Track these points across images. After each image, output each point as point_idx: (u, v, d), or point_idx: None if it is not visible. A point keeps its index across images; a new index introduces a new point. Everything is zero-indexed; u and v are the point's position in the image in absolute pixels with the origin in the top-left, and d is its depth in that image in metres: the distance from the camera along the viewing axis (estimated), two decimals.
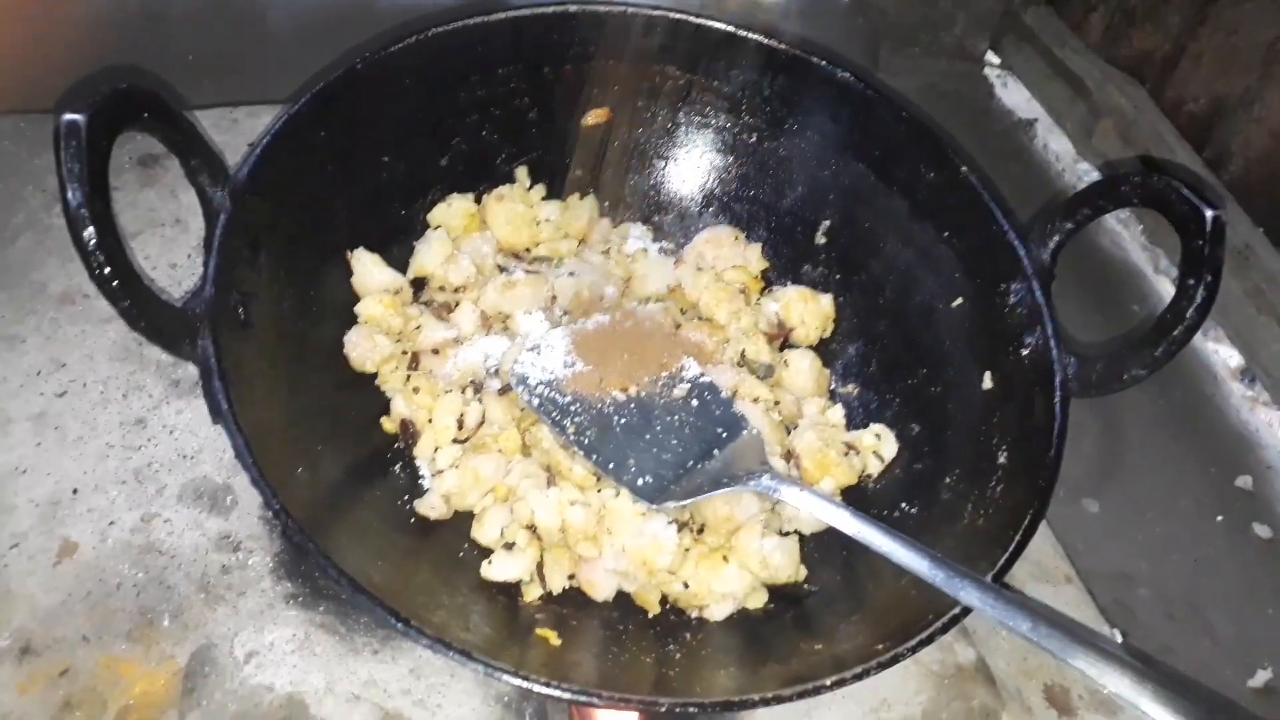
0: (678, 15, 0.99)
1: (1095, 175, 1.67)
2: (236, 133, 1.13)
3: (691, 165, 1.08)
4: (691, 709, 0.72)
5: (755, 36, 0.99)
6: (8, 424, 0.87)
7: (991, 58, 1.84)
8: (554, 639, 0.78)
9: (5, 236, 1.00)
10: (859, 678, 0.68)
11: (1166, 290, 1.53)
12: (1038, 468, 0.80)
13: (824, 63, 0.98)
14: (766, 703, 0.67)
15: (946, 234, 0.95)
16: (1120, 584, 1.16)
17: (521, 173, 1.03)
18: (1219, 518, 1.26)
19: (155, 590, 0.79)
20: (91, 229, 0.65)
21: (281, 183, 0.84)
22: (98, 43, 1.46)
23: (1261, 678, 1.09)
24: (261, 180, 0.81)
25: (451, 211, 0.98)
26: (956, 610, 0.72)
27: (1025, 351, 0.86)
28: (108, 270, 0.67)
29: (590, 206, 1.05)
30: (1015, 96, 1.82)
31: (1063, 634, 0.69)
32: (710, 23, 0.99)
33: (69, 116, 0.66)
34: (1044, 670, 0.88)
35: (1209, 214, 0.77)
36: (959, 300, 0.93)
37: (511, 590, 0.83)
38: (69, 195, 0.65)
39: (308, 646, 0.77)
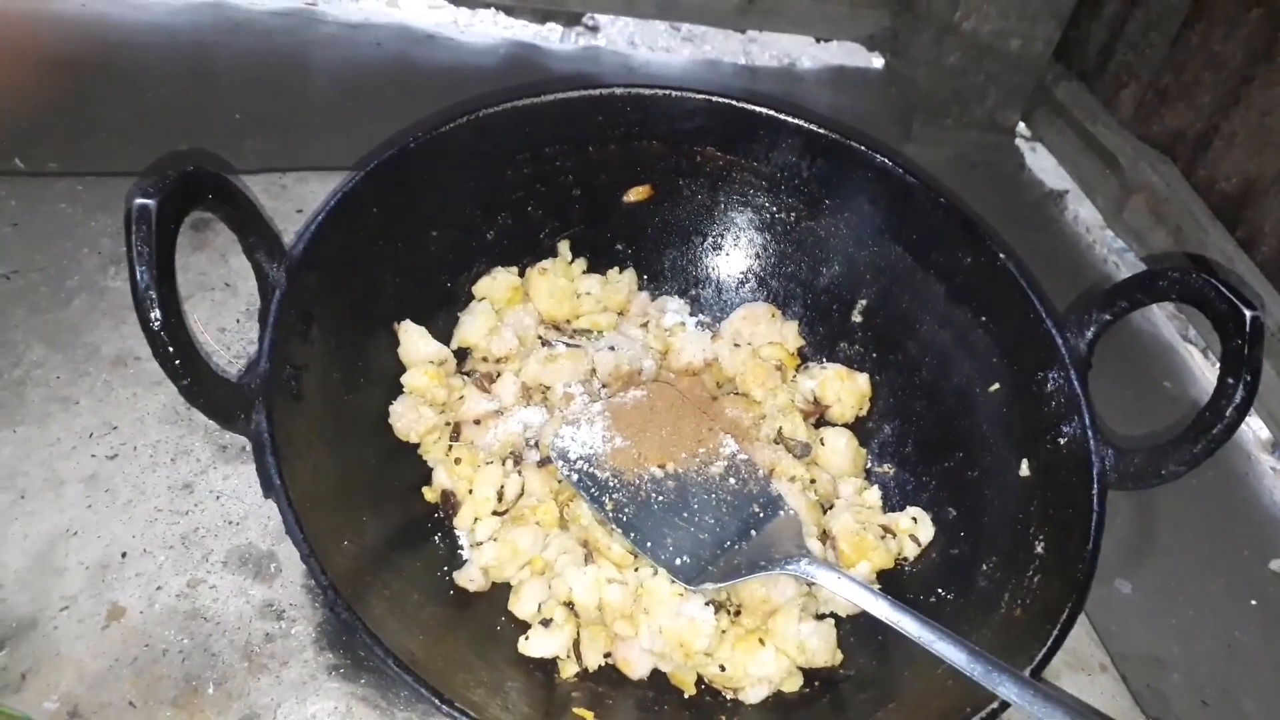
0: (719, 99, 1.02)
1: (1123, 247, 1.69)
2: (285, 199, 1.16)
3: (730, 242, 1.10)
4: None
5: (794, 120, 1.01)
6: (60, 485, 0.89)
7: (1023, 129, 1.87)
8: (590, 718, 0.78)
9: (61, 298, 1.02)
10: None
11: (1199, 366, 1.54)
12: (1075, 560, 0.80)
13: (862, 147, 1.00)
14: None
15: (984, 319, 0.96)
16: (1153, 668, 1.16)
17: (564, 247, 1.05)
18: (1253, 601, 1.25)
19: (200, 657, 0.80)
20: (158, 311, 0.67)
21: (334, 258, 0.86)
22: (146, 103, 1.51)
23: None
24: (316, 256, 0.84)
25: (496, 284, 1.00)
26: (995, 705, 0.72)
27: (1063, 441, 0.87)
28: (171, 350, 0.69)
29: (630, 280, 1.07)
30: (1046, 168, 1.84)
31: None
32: (750, 106, 1.02)
33: (140, 201, 0.68)
34: None
35: (1249, 315, 0.78)
36: (996, 385, 0.94)
37: (548, 666, 0.84)
38: (138, 278, 0.67)
39: (349, 719, 0.77)
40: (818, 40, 1.96)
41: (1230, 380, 0.78)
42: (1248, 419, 1.48)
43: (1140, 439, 0.85)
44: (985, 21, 1.64)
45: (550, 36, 2.01)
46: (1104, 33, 1.73)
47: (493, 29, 1.94)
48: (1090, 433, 0.85)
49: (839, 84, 1.89)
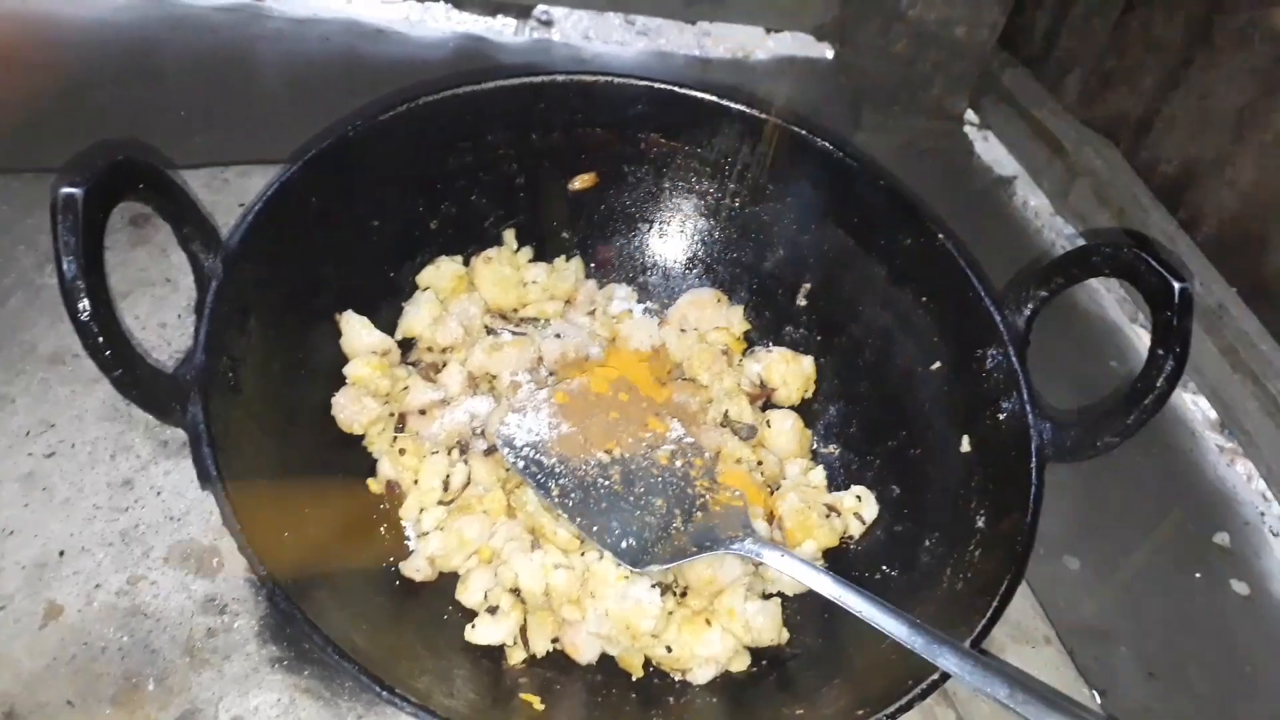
0: (660, 85, 1.02)
1: (1072, 232, 1.71)
2: (227, 192, 1.15)
3: (676, 228, 1.10)
4: None
5: (737, 106, 1.02)
6: None
7: (971, 117, 1.89)
8: (537, 704, 0.78)
9: None
10: None
11: (1145, 346, 1.56)
12: (1015, 534, 0.81)
13: (804, 131, 1.01)
14: None
15: (924, 299, 0.97)
16: (1100, 642, 1.18)
17: (509, 235, 1.05)
18: (1197, 574, 1.28)
19: (140, 654, 0.79)
20: (86, 301, 0.66)
21: (272, 248, 0.86)
22: (89, 100, 1.49)
23: None
24: (253, 247, 0.83)
25: (440, 273, 1.00)
26: (935, 676, 0.73)
27: (1002, 417, 0.88)
28: (101, 340, 0.68)
29: (576, 268, 1.07)
30: (994, 154, 1.86)
31: (1039, 700, 0.70)
32: (693, 93, 1.02)
33: (66, 190, 0.67)
34: None
35: (1177, 286, 0.79)
36: (937, 364, 0.95)
37: (495, 653, 0.84)
38: (64, 268, 0.66)
39: (292, 711, 0.77)
40: (768, 31, 1.97)
41: (1160, 351, 0.80)
42: (1193, 397, 1.51)
43: (1077, 412, 0.87)
44: (931, 9, 1.66)
45: (503, 29, 2.00)
46: (1048, 19, 1.75)
47: (444, 22, 1.92)
48: (1028, 408, 0.86)
49: (790, 74, 1.90)
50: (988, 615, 0.76)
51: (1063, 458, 0.85)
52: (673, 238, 1.10)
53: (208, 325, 0.78)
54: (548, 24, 2.10)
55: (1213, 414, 1.48)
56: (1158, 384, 0.80)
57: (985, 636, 0.76)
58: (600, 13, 2.04)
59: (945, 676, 0.73)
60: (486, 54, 1.80)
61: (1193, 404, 1.52)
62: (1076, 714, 0.69)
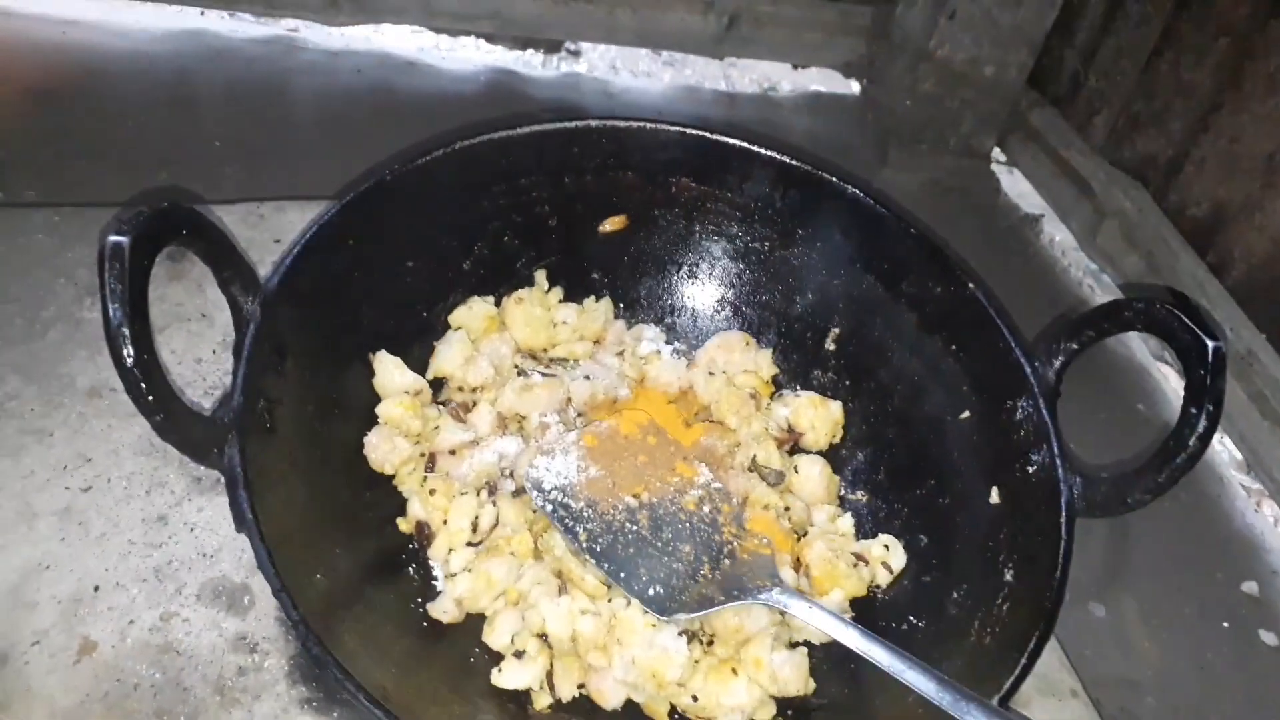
0: (692, 131, 1.03)
1: (1098, 269, 1.71)
2: (263, 228, 1.17)
3: (705, 271, 1.11)
4: None
5: (768, 152, 1.03)
6: (34, 519, 0.88)
7: (998, 155, 1.89)
8: None
9: (36, 330, 1.03)
10: None
11: (1173, 389, 1.56)
12: (1044, 588, 0.81)
13: (834, 179, 1.02)
14: None
15: (954, 347, 0.97)
16: (1127, 691, 1.17)
17: (540, 276, 1.06)
18: (1225, 624, 1.26)
19: (172, 692, 0.79)
20: (130, 348, 0.68)
21: (309, 290, 0.87)
22: (127, 131, 1.51)
23: None
24: (290, 289, 0.84)
25: (472, 314, 1.01)
26: None
27: (1031, 469, 0.88)
28: (144, 386, 0.69)
29: (606, 309, 1.08)
30: (1021, 192, 1.86)
31: None
32: (724, 139, 1.03)
33: (114, 239, 0.68)
34: None
35: (1211, 345, 0.79)
36: (966, 413, 0.95)
37: (521, 698, 0.84)
38: (110, 314, 0.68)
39: None
40: (795, 67, 1.98)
41: (1194, 410, 0.79)
42: (1221, 440, 1.50)
43: (1110, 465, 0.86)
44: (959, 49, 1.67)
45: (532, 62, 2.02)
46: (1076, 60, 1.75)
47: (475, 54, 1.95)
48: (1058, 461, 0.86)
49: (816, 110, 1.91)
50: (1016, 672, 0.76)
51: (1093, 513, 0.85)
52: (702, 280, 1.11)
53: (245, 368, 0.79)
54: (576, 54, 2.12)
55: (1241, 458, 1.47)
56: (1190, 443, 0.79)
57: (1013, 694, 0.75)
58: (627, 46, 2.06)
59: None
60: (516, 86, 1.82)
61: (1220, 447, 1.51)
62: None
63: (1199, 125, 1.55)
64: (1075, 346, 0.90)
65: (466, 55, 1.93)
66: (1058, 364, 0.90)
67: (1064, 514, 0.84)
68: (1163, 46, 1.60)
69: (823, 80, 2.05)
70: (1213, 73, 1.52)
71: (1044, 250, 1.77)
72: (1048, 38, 1.72)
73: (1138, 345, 1.64)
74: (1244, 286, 1.47)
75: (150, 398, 0.70)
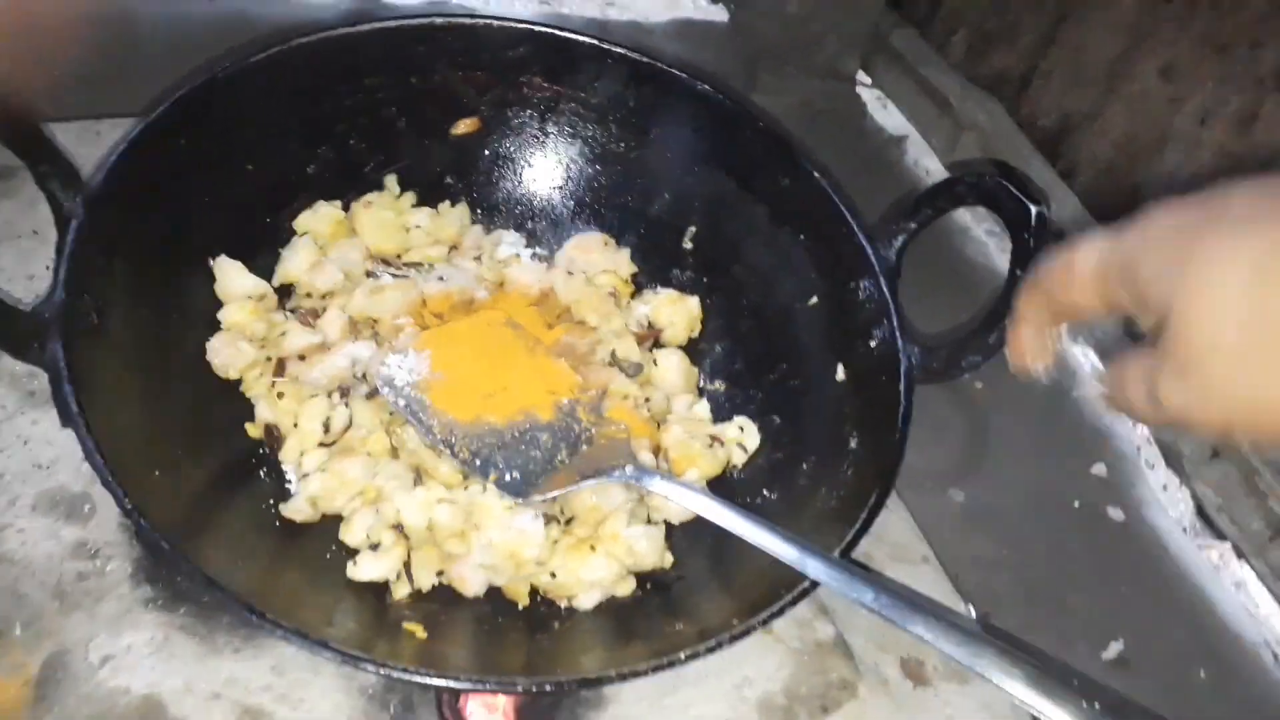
0: (541, 28, 1.02)
1: None
2: (99, 144, 1.12)
3: (562, 173, 1.10)
4: (549, 688, 0.73)
5: (618, 49, 1.02)
6: None
7: (864, 78, 1.92)
8: (420, 632, 0.78)
9: None
10: (711, 651, 0.71)
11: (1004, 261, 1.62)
12: (884, 451, 0.84)
13: (684, 74, 1.02)
14: (624, 678, 0.69)
15: (802, 237, 0.99)
16: (985, 569, 1.22)
17: (391, 180, 1.04)
18: (1076, 503, 1.33)
19: (6, 600, 0.77)
20: None
21: (138, 191, 0.84)
22: None
23: (1114, 649, 1.16)
24: (116, 188, 0.81)
25: (318, 218, 0.99)
26: (805, 584, 0.75)
27: (874, 344, 0.91)
28: None
29: (461, 214, 1.07)
30: (886, 114, 1.90)
31: (902, 603, 0.72)
32: (573, 35, 1.02)
33: None
34: (900, 645, 0.92)
35: (1034, 209, 0.83)
36: (814, 299, 0.98)
37: (380, 589, 0.84)
38: None
39: (166, 648, 0.76)
40: None
41: (1019, 272, 0.83)
42: (1081, 349, 1.57)
43: (943, 335, 0.90)
44: None
45: None
46: None
47: None
48: (898, 334, 0.89)
49: (686, 35, 1.92)
50: (856, 526, 0.79)
51: (931, 379, 0.88)
52: (560, 183, 1.11)
53: (67, 264, 0.76)
54: None
55: (1092, 356, 1.54)
56: (1015, 304, 0.83)
57: (854, 546, 0.78)
58: None
59: (814, 585, 0.75)
60: (378, 14, 1.77)
61: (1081, 355, 1.58)
62: (939, 615, 0.72)
63: (1047, 38, 1.60)
64: (914, 225, 0.93)
65: None
66: (897, 243, 0.93)
67: (903, 382, 0.87)
68: None
69: (694, 9, 2.05)
70: None
71: (908, 169, 1.82)
72: None
73: (992, 245, 1.70)
74: (1091, 191, 1.54)
75: None
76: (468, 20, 1.01)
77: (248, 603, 0.67)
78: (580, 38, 1.03)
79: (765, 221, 1.03)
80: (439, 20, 1.00)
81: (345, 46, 0.97)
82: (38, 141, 0.77)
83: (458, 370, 0.91)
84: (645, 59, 1.03)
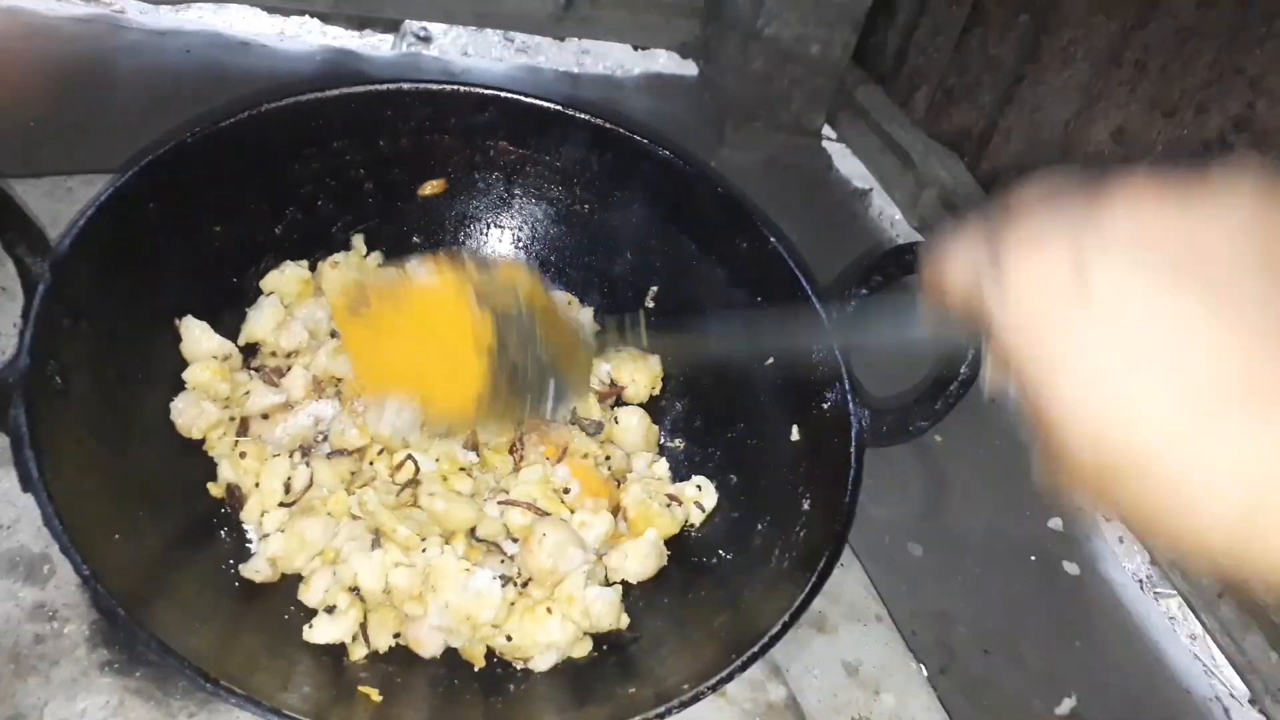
0: (506, 94, 1.05)
1: (921, 240, 1.80)
2: (70, 201, 1.13)
3: (528, 233, 1.13)
4: None
5: (581, 115, 1.05)
6: None
7: (829, 132, 1.97)
8: (375, 695, 0.79)
9: None
10: (662, 717, 0.72)
11: None
12: (835, 513, 0.86)
13: (645, 140, 1.05)
14: None
15: (759, 299, 1.02)
16: (942, 623, 1.24)
17: (358, 240, 1.06)
18: (1032, 557, 1.36)
19: None
20: None
21: (106, 253, 0.85)
22: None
23: (1067, 705, 1.18)
24: (83, 252, 0.82)
25: (285, 278, 1.00)
26: (757, 648, 0.77)
27: (826, 406, 0.93)
28: None
29: None
30: (851, 168, 1.95)
31: None
32: (538, 101, 1.05)
33: None
34: (853, 705, 0.93)
35: None
36: (770, 359, 1.00)
37: (337, 651, 0.84)
38: None
39: (121, 713, 0.76)
40: (635, 48, 2.02)
41: (963, 340, 0.86)
42: None
43: (896, 397, 0.93)
44: (786, 27, 1.73)
45: (380, 46, 2.00)
46: (897, 38, 1.84)
47: (315, 38, 1.92)
48: (849, 397, 0.92)
49: (656, 90, 1.96)
50: (805, 590, 0.80)
51: (880, 442, 0.90)
52: (525, 242, 1.13)
53: (33, 329, 0.78)
54: (426, 40, 2.12)
55: None
56: (960, 371, 0.86)
57: (804, 610, 0.80)
58: (479, 29, 2.06)
59: (768, 647, 0.77)
60: (354, 67, 1.81)
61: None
62: None
63: (1005, 97, 1.66)
64: (865, 291, 0.95)
65: (307, 37, 1.90)
66: (850, 309, 0.96)
67: (853, 445, 0.89)
68: (972, 23, 1.70)
69: (664, 63, 2.09)
70: (1016, 47, 1.63)
71: (873, 222, 1.86)
72: (871, 17, 1.81)
73: None
74: None
75: None
76: (434, 86, 1.04)
77: (202, 669, 0.67)
78: (545, 104, 1.05)
79: (724, 283, 1.05)
80: (406, 86, 1.02)
81: (313, 111, 0.99)
82: (5, 207, 0.79)
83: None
84: (608, 124, 1.06)
